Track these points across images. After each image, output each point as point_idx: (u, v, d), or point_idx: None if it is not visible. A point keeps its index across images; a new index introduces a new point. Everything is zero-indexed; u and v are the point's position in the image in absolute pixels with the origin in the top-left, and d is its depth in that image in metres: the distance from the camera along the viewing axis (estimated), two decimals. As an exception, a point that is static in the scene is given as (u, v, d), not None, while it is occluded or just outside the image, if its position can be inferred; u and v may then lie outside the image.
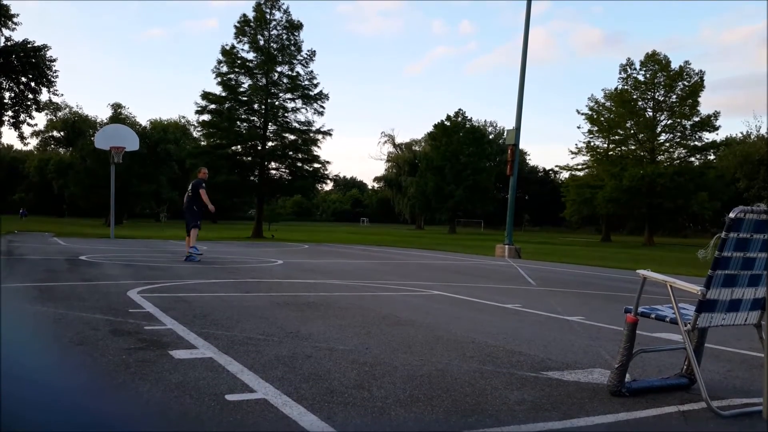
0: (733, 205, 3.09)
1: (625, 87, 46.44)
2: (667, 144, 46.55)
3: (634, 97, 46.19)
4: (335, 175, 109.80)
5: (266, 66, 30.54)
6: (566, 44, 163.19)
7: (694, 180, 42.59)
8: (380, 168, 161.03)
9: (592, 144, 49.64)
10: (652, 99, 45.99)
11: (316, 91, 31.27)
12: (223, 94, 30.69)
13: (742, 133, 56.45)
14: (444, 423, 2.65)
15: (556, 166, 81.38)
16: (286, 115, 31.57)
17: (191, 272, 9.42)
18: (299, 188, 33.74)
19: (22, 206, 62.34)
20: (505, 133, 22.31)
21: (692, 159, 46.54)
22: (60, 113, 59.09)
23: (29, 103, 36.18)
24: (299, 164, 32.14)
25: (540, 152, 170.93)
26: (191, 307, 5.69)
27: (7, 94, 35.48)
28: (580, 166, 51.49)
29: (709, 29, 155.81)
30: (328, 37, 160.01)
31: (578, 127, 71.96)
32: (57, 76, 36.01)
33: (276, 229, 40.88)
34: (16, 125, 36.28)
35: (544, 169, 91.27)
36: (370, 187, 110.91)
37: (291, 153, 32.03)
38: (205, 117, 31.21)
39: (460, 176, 60.82)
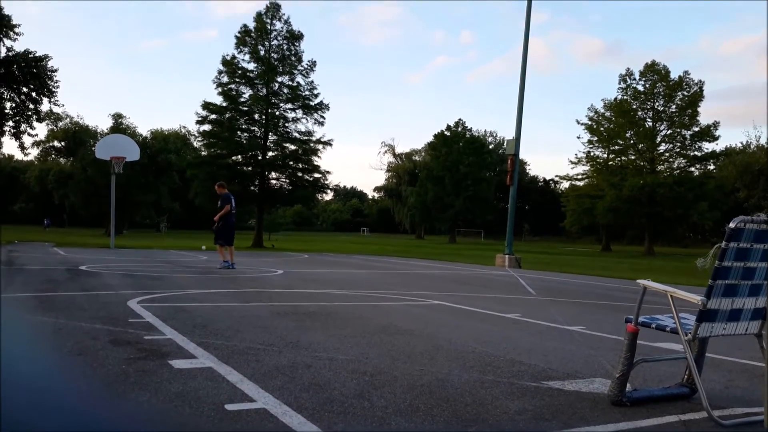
0: (732, 215, 3.10)
1: (625, 97, 46.60)
2: (667, 154, 46.65)
3: (634, 107, 46.33)
4: (335, 185, 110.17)
5: (267, 76, 30.65)
6: (566, 54, 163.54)
7: (694, 190, 42.63)
8: (380, 178, 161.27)
9: (592, 154, 49.78)
10: (651, 109, 46.12)
11: (317, 101, 31.38)
12: (224, 104, 30.77)
13: (741, 143, 56.47)
14: (444, 433, 2.64)
15: (556, 176, 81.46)
16: (286, 125, 31.66)
17: (191, 282, 9.42)
18: (299, 198, 33.78)
19: (46, 217, 62.21)
20: (505, 143, 22.35)
21: (692, 169, 46.62)
22: (61, 123, 59.18)
23: (30, 113, 36.22)
24: (299, 174, 32.18)
25: (540, 162, 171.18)
26: (191, 316, 5.68)
27: (8, 104, 35.56)
28: (580, 176, 51.65)
29: (709, 39, 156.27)
30: (328, 48, 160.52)
31: (578, 137, 71.90)
32: (58, 87, 36.04)
33: (276, 238, 40.88)
34: (17, 135, 36.31)
35: (544, 179, 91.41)
36: (370, 196, 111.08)
37: (291, 163, 32.09)
38: (206, 127, 31.30)
39: (460, 186, 60.92)
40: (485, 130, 76.74)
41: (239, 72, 30.75)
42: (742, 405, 3.24)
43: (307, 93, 31.32)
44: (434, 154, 64.26)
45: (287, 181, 32.28)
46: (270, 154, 31.69)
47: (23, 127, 36.19)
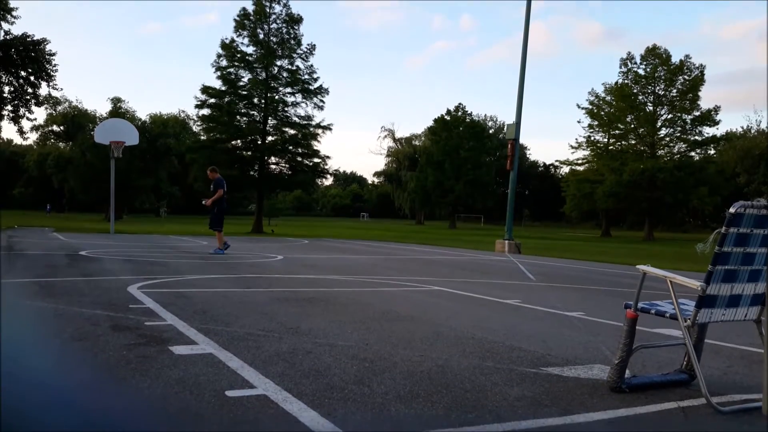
0: (733, 200, 3.09)
1: (626, 81, 46.40)
2: (668, 138, 46.54)
3: (635, 91, 46.14)
4: (335, 170, 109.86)
5: (266, 60, 30.48)
6: (566, 39, 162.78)
7: (695, 175, 42.57)
8: (380, 163, 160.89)
9: (592, 138, 49.66)
10: (652, 93, 45.94)
11: (316, 85, 31.25)
12: (223, 89, 30.64)
13: (742, 127, 56.67)
14: (444, 419, 2.65)
15: (557, 160, 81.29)
16: (285, 109, 31.55)
17: (191, 268, 9.43)
18: (299, 183, 33.75)
19: (48, 203, 62.21)
20: (505, 128, 22.29)
21: (692, 153, 46.52)
22: (59, 107, 59.00)
23: (28, 97, 36.09)
24: (299, 159, 32.11)
25: (540, 147, 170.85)
26: (191, 302, 5.69)
27: (6, 89, 35.40)
28: (580, 161, 51.53)
29: (710, 24, 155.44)
30: (328, 31, 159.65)
31: (578, 122, 72.04)
32: (56, 70, 35.90)
33: (276, 224, 40.89)
34: (16, 120, 36.20)
35: (545, 164, 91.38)
36: (370, 181, 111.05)
37: (291, 147, 32.00)
38: (205, 111, 31.21)
39: (460, 171, 60.79)
40: (485, 115, 76.81)
41: (238, 56, 30.58)
42: (741, 391, 3.25)
43: (306, 77, 31.18)
44: (434, 139, 64.06)
45: (287, 165, 32.21)
46: (269, 138, 31.62)
47: (22, 111, 36.09)
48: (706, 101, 79.28)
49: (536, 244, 24.92)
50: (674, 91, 45.21)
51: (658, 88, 45.62)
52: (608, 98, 47.58)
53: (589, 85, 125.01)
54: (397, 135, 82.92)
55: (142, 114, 72.75)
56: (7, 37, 34.04)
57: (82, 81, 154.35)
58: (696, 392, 3.13)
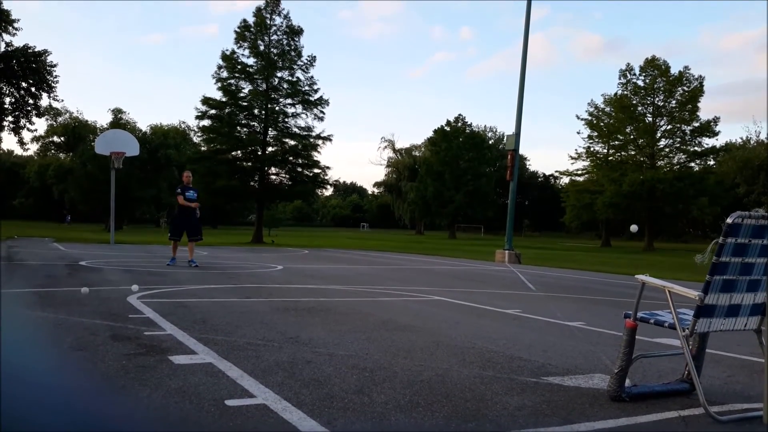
0: (732, 211, 3.10)
1: (625, 92, 46.49)
2: (667, 149, 46.57)
3: (634, 102, 46.23)
4: (335, 181, 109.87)
5: (266, 71, 30.59)
6: (566, 50, 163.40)
7: (694, 185, 42.57)
8: (380, 173, 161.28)
9: (591, 149, 49.69)
10: (651, 104, 46.03)
11: (316, 96, 31.33)
12: (224, 100, 30.71)
13: (741, 138, 56.65)
14: (444, 428, 2.64)
15: (556, 171, 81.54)
16: (286, 120, 31.61)
17: (191, 278, 9.42)
18: (299, 193, 33.74)
19: (65, 212, 62.04)
20: (504, 138, 22.37)
21: (692, 164, 46.54)
22: (60, 118, 59.26)
23: (29, 108, 36.20)
24: (299, 169, 32.14)
25: (540, 157, 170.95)
26: (191, 312, 5.69)
27: (7, 100, 35.52)
28: (579, 172, 51.55)
29: (709, 35, 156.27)
30: (328, 42, 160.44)
31: (578, 133, 71.84)
32: (57, 82, 36.06)
33: (276, 234, 40.87)
34: (16, 130, 36.31)
35: (544, 174, 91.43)
36: (370, 192, 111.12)
37: (291, 158, 32.04)
38: (206, 122, 31.26)
39: (460, 181, 60.85)
40: (485, 126, 76.85)
41: (239, 67, 30.68)
42: (742, 401, 3.24)
43: (306, 88, 31.27)
44: (434, 150, 64.13)
45: (287, 176, 32.24)
46: (270, 149, 31.67)
47: (22, 122, 36.20)
48: (705, 112, 79.53)
49: (536, 254, 24.90)
50: (673, 102, 45.30)
51: (657, 99, 45.72)
52: (608, 109, 47.67)
53: (588, 96, 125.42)
54: (397, 146, 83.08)
55: (143, 125, 73.03)
56: (9, 48, 34.21)
57: (83, 92, 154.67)
58: (697, 401, 3.12)
